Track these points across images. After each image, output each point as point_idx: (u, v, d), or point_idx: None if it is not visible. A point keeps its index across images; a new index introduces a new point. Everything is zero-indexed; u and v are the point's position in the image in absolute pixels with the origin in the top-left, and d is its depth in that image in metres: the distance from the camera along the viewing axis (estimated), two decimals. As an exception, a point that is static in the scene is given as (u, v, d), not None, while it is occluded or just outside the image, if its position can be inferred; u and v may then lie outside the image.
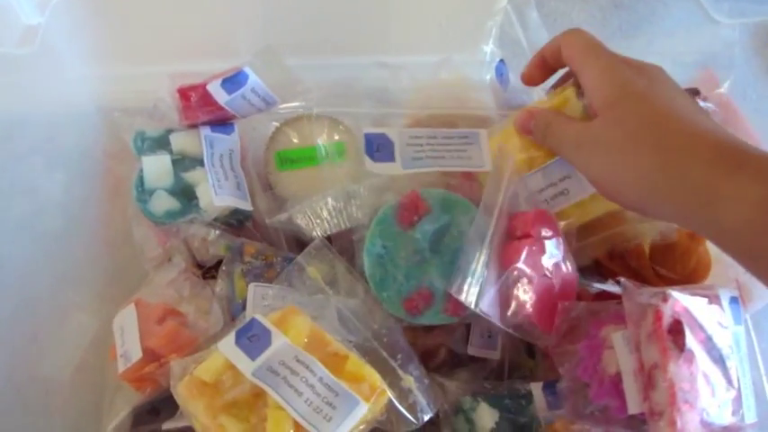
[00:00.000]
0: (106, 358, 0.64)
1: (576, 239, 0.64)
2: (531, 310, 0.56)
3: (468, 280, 0.54)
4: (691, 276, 0.66)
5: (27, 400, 0.61)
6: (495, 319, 0.56)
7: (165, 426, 0.59)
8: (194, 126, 0.68)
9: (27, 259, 0.63)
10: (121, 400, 0.61)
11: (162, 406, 0.63)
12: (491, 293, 0.55)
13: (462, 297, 0.54)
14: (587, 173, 0.54)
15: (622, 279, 0.56)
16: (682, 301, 0.55)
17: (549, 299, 0.58)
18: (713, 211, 0.46)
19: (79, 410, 0.65)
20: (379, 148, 0.64)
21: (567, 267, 0.60)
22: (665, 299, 0.54)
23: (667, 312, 0.54)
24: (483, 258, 0.55)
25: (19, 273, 0.62)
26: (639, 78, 0.53)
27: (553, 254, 0.58)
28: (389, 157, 0.63)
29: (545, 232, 0.58)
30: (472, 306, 0.54)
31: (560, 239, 0.60)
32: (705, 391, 0.53)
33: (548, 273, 0.58)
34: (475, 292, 0.54)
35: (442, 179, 0.64)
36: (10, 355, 0.60)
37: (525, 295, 0.56)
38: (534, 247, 0.57)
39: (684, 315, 0.54)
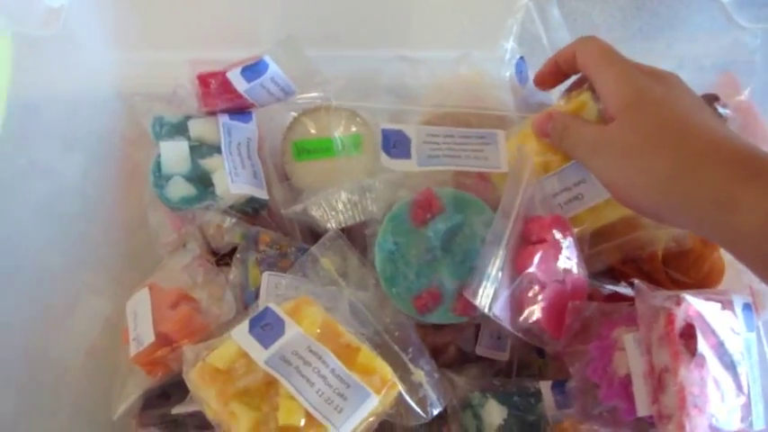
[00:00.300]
0: (118, 341, 0.64)
1: (590, 246, 0.64)
2: (541, 315, 0.56)
3: (484, 283, 0.54)
4: (704, 282, 0.66)
5: (39, 380, 0.61)
6: (506, 323, 0.56)
7: (175, 410, 0.59)
8: (213, 113, 0.69)
9: (44, 240, 0.64)
10: (133, 383, 0.61)
11: (172, 390, 0.63)
12: (504, 297, 0.55)
13: (477, 300, 0.54)
14: (602, 176, 0.54)
15: (636, 281, 0.56)
16: (695, 305, 0.55)
17: (561, 305, 0.58)
18: (728, 218, 0.46)
19: (90, 392, 0.65)
20: (395, 144, 0.64)
21: (580, 273, 0.60)
22: (679, 302, 0.54)
23: (680, 316, 0.54)
24: (499, 262, 0.55)
25: (36, 253, 0.63)
26: (656, 84, 0.53)
27: (567, 260, 0.58)
28: (405, 153, 0.63)
29: (560, 238, 0.58)
30: (486, 310, 0.54)
31: (575, 245, 0.60)
32: (715, 396, 0.53)
33: (560, 278, 0.58)
34: (489, 295, 0.54)
35: (456, 178, 0.64)
36: (24, 334, 0.60)
37: (537, 300, 0.56)
38: (548, 253, 0.57)
39: (697, 319, 0.54)
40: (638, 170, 0.50)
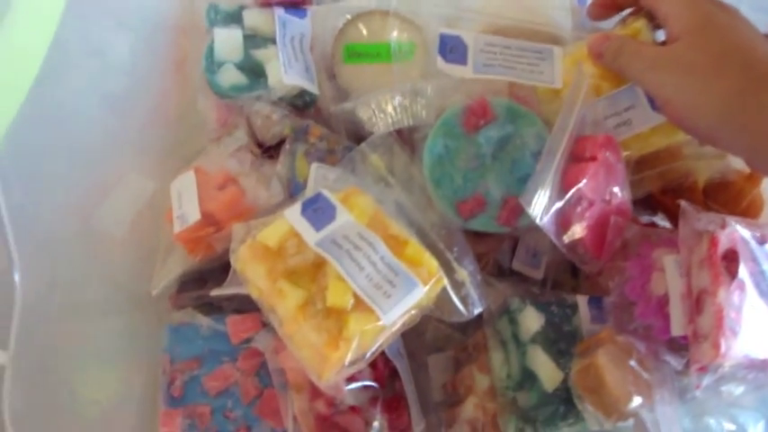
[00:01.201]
0: (159, 222, 0.64)
1: (632, 172, 0.64)
2: (586, 233, 0.57)
3: (539, 193, 0.55)
4: (742, 216, 0.66)
5: (79, 250, 0.61)
6: (552, 235, 0.56)
7: (214, 292, 0.59)
8: (268, 5, 0.68)
9: (91, 114, 0.64)
10: (173, 261, 0.61)
11: (209, 276, 0.64)
12: (554, 210, 0.56)
13: (530, 209, 0.54)
14: (660, 93, 0.54)
15: (683, 202, 0.57)
16: (739, 231, 0.55)
17: (605, 225, 0.58)
18: None
19: (129, 267, 0.65)
20: (452, 49, 0.64)
21: (624, 197, 0.60)
22: (723, 226, 0.55)
23: (724, 240, 0.54)
24: (554, 174, 0.55)
25: (83, 125, 0.62)
26: (721, 12, 0.54)
27: (615, 181, 0.59)
28: (462, 59, 0.64)
29: (610, 157, 0.58)
30: (538, 220, 0.54)
31: (623, 167, 0.60)
32: (750, 322, 0.53)
33: (607, 198, 0.58)
34: (542, 205, 0.55)
35: (511, 89, 0.64)
36: (67, 202, 0.60)
37: (584, 217, 0.57)
38: (599, 171, 0.57)
39: (740, 244, 0.55)
40: (700, 89, 0.51)
